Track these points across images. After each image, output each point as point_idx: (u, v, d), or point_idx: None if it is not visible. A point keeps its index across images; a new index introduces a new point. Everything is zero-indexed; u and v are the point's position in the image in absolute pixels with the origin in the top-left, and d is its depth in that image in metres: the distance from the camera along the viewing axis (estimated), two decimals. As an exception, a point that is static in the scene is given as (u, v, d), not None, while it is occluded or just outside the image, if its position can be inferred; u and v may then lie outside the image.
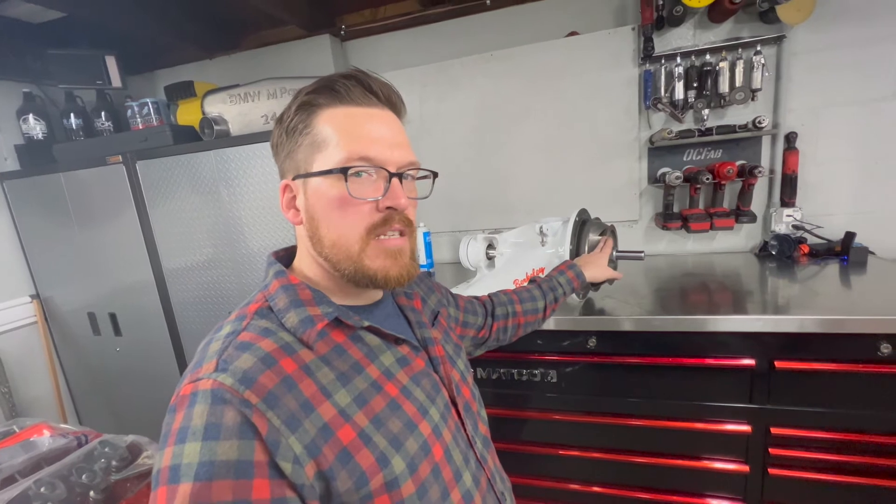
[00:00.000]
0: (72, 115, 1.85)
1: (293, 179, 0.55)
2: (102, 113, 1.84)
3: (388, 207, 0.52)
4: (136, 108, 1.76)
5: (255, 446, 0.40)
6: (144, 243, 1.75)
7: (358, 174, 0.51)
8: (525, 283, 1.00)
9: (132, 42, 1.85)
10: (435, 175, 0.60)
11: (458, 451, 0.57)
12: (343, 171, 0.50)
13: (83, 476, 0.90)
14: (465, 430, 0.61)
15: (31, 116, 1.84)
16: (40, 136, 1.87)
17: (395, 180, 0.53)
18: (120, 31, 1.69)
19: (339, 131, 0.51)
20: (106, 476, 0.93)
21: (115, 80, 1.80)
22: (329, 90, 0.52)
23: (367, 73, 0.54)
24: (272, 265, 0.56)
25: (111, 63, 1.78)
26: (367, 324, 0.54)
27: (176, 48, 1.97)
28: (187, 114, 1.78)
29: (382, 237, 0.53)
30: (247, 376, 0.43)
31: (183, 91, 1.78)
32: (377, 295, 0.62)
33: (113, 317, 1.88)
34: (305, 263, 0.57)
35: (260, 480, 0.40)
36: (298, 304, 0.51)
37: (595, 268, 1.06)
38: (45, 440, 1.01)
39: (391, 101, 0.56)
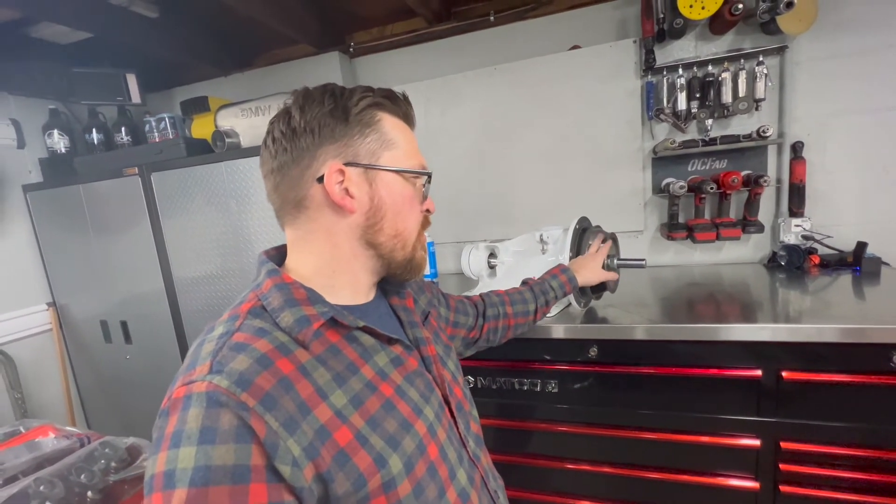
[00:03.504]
0: (94, 129, 1.95)
1: (346, 165, 0.54)
2: (122, 128, 1.93)
3: (426, 210, 0.62)
4: (153, 123, 1.84)
5: (252, 450, 0.40)
6: (157, 253, 1.80)
7: (417, 180, 0.60)
8: (518, 286, 1.00)
9: (152, 61, 1.95)
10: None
11: (453, 450, 0.57)
12: (428, 176, 0.60)
13: (82, 476, 0.91)
14: (457, 429, 0.61)
15: (55, 131, 1.94)
16: (63, 150, 1.96)
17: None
18: (141, 50, 1.78)
19: (405, 139, 0.58)
20: (104, 477, 0.94)
21: (135, 97, 1.89)
22: (391, 101, 0.58)
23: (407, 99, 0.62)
24: (264, 263, 0.55)
25: (132, 81, 1.88)
26: (362, 324, 0.53)
27: (193, 66, 2.06)
28: (201, 127, 1.84)
29: (421, 234, 0.63)
30: (243, 378, 0.42)
31: (198, 106, 1.86)
32: (371, 294, 0.62)
33: (124, 325, 1.93)
34: (301, 261, 0.56)
35: (257, 485, 0.39)
36: (293, 303, 0.50)
37: (588, 271, 1.05)
38: (49, 441, 1.03)
39: (414, 124, 0.63)
